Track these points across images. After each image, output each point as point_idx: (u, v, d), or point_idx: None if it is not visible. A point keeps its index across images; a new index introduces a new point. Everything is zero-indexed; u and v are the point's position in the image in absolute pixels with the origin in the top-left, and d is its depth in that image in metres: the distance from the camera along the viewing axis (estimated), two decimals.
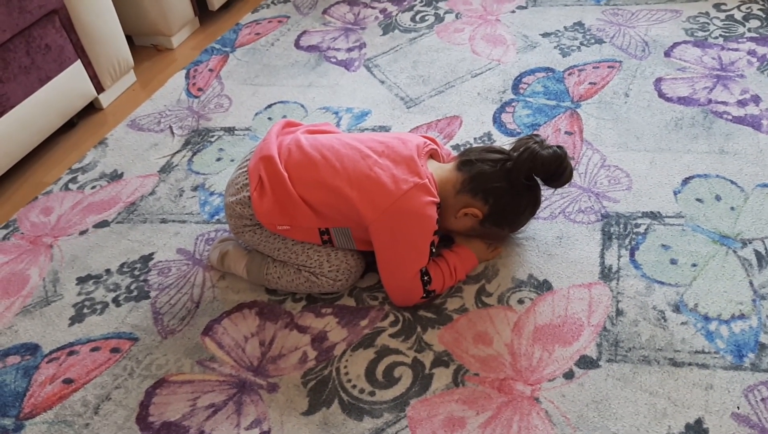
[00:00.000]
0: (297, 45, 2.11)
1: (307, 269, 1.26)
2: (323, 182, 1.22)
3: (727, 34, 1.88)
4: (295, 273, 1.27)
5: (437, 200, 1.21)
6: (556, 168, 1.21)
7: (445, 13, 2.16)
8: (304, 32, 2.17)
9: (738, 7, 1.99)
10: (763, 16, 1.94)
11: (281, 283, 1.29)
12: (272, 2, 2.37)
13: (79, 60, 1.83)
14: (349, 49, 2.05)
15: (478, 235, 1.31)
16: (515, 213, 1.29)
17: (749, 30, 1.89)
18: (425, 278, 1.22)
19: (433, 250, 1.22)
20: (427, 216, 1.19)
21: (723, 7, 2.00)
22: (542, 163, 1.20)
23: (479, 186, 1.23)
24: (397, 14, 2.19)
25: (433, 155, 1.32)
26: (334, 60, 2.02)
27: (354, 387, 1.14)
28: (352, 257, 1.27)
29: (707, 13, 1.98)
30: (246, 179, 1.26)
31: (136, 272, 1.41)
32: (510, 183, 1.22)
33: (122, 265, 1.44)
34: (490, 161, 1.24)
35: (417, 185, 1.19)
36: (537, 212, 1.33)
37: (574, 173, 1.49)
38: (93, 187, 1.66)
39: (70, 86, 1.81)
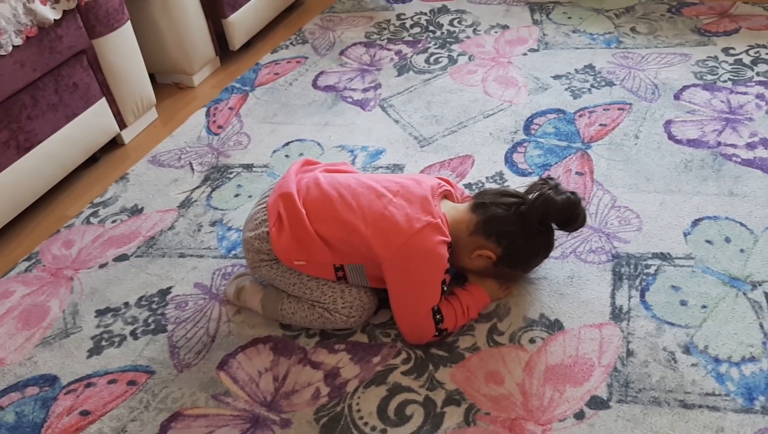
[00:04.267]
0: (315, 85, 2.17)
1: (321, 305, 1.29)
2: (339, 219, 1.25)
3: (735, 78, 1.92)
4: (309, 309, 1.30)
5: (448, 239, 1.24)
6: (570, 214, 1.24)
7: (458, 55, 2.22)
8: (321, 73, 2.23)
9: (746, 51, 2.03)
10: None
11: (295, 318, 1.31)
12: (291, 43, 2.44)
13: (104, 98, 1.89)
14: (365, 90, 2.11)
15: (491, 275, 1.33)
16: (528, 256, 1.31)
17: (757, 74, 1.92)
18: (437, 316, 1.24)
19: (445, 288, 1.25)
20: (438, 255, 1.22)
21: (731, 52, 2.04)
22: (556, 209, 1.23)
23: (492, 229, 1.25)
24: (411, 56, 2.25)
25: (447, 195, 1.35)
26: (350, 100, 2.07)
27: (366, 424, 1.15)
28: (365, 294, 1.29)
29: (716, 57, 2.02)
30: (265, 214, 1.30)
31: (154, 306, 1.44)
32: (523, 227, 1.25)
33: (140, 298, 1.47)
34: (504, 204, 1.26)
35: (429, 224, 1.22)
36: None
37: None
38: (114, 221, 1.71)
39: (94, 123, 1.87)
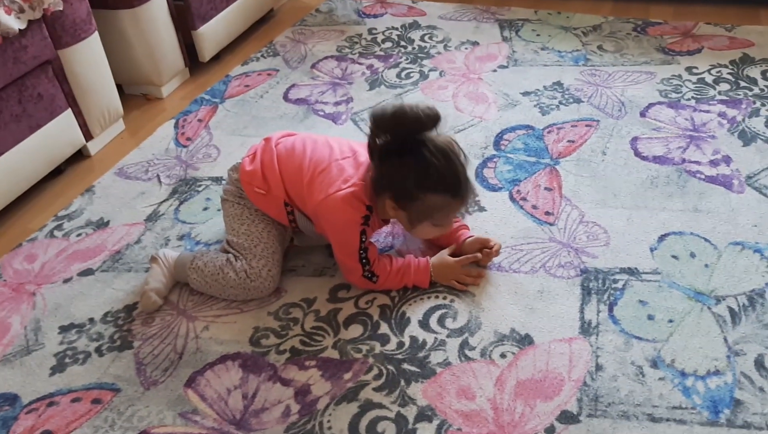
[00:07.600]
0: (285, 98, 2.16)
1: (242, 251, 1.39)
2: (294, 161, 1.40)
3: (699, 96, 1.97)
4: (219, 266, 1.40)
5: (366, 202, 1.33)
6: (396, 112, 1.23)
7: (429, 70, 2.23)
8: (292, 85, 2.22)
9: (708, 70, 2.09)
10: (732, 79, 2.03)
11: (206, 271, 1.41)
12: (262, 55, 2.43)
13: (69, 109, 1.86)
14: (337, 103, 2.11)
15: (425, 222, 1.33)
16: (406, 179, 1.27)
17: (719, 93, 1.98)
18: (364, 261, 1.36)
19: (364, 238, 1.34)
20: (344, 217, 1.32)
21: (695, 71, 2.10)
22: (380, 113, 1.24)
23: (373, 184, 1.32)
24: (383, 71, 2.26)
25: None
26: (321, 113, 2.07)
27: None
28: (276, 270, 1.40)
29: (680, 76, 2.08)
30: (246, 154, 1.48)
31: (120, 322, 1.41)
32: (380, 158, 1.28)
33: (106, 314, 1.43)
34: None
35: (352, 186, 1.32)
36: (455, 171, 1.27)
37: (554, 228, 1.53)
38: (78, 235, 1.67)
39: (59, 134, 1.83)
